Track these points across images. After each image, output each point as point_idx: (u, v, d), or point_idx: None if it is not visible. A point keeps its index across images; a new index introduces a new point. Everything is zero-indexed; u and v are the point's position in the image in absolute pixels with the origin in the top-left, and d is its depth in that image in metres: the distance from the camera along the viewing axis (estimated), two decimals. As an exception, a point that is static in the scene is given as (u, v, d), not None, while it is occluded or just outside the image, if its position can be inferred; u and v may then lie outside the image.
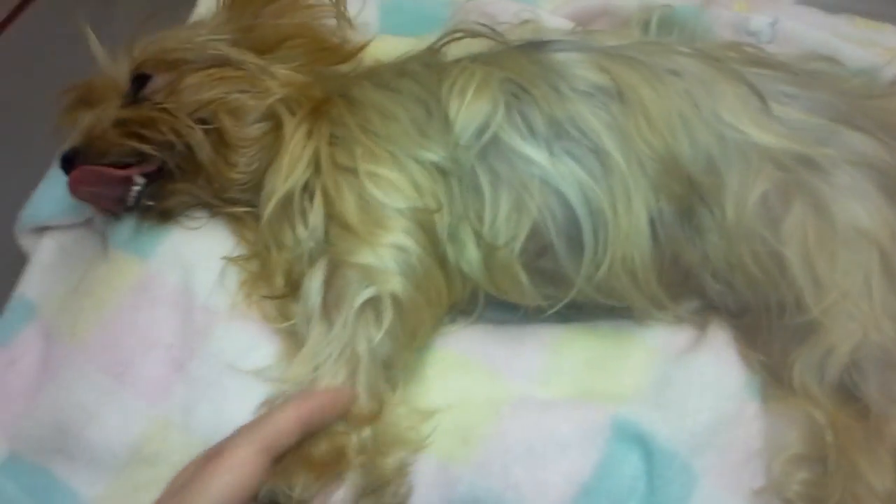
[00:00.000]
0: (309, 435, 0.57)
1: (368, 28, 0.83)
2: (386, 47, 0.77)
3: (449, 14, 0.86)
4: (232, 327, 0.66)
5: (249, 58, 0.70)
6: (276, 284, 0.65)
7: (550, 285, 0.64)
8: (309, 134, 0.66)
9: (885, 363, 0.59)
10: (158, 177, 0.69)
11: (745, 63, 0.67)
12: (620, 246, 0.62)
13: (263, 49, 0.72)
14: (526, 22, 0.80)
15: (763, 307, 0.63)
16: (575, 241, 0.62)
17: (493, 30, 0.71)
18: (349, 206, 0.62)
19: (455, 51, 0.70)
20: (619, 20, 0.86)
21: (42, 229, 0.77)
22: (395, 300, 0.61)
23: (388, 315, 0.60)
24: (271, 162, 0.67)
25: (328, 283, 0.62)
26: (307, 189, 0.64)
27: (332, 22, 0.78)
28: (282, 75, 0.69)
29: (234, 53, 0.70)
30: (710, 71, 0.64)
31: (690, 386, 0.63)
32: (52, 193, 0.76)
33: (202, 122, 0.68)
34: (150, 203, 0.69)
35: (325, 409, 0.58)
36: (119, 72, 0.70)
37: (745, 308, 0.65)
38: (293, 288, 0.65)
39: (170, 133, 0.67)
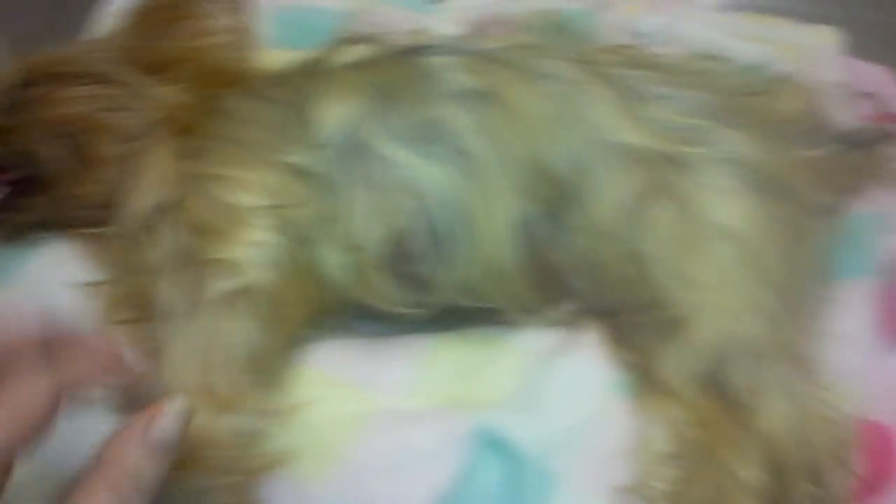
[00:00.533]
0: None
1: (262, 45, 0.83)
2: (274, 62, 0.77)
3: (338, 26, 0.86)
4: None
5: (129, 77, 0.70)
6: (141, 307, 0.64)
7: (418, 291, 0.64)
8: (168, 151, 0.65)
9: (750, 356, 0.60)
10: (24, 188, 0.68)
11: (622, 66, 0.67)
12: (486, 248, 0.62)
13: (150, 70, 0.71)
14: (416, 32, 0.80)
15: (631, 306, 0.64)
16: (440, 244, 0.62)
17: (381, 38, 0.71)
18: (204, 211, 0.62)
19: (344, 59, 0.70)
20: (511, 27, 0.87)
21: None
22: (259, 291, 0.60)
23: (256, 306, 0.60)
24: (129, 183, 0.66)
25: (182, 286, 0.61)
26: (166, 207, 0.64)
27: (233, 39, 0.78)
28: (157, 95, 0.69)
29: (113, 70, 0.70)
30: (583, 74, 0.65)
31: (554, 388, 0.64)
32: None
33: (68, 136, 0.67)
34: (5, 215, 0.69)
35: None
36: (11, 77, 0.70)
37: (615, 308, 0.65)
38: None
39: (30, 144, 0.66)
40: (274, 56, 0.78)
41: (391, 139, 0.62)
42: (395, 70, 0.66)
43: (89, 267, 0.68)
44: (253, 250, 0.61)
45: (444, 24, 0.85)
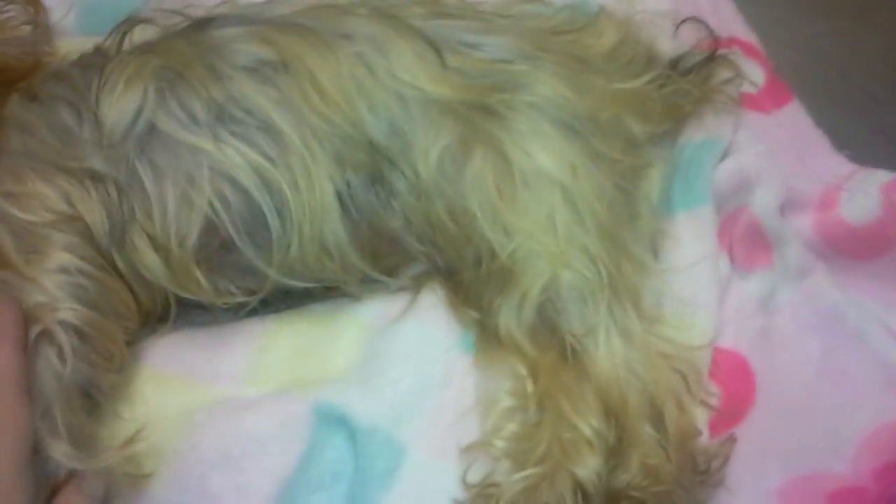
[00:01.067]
0: None
1: (67, 34, 0.78)
2: (74, 50, 0.72)
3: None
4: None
5: None
6: None
7: (244, 279, 0.62)
8: None
9: (579, 296, 0.59)
10: None
11: (427, 17, 0.65)
12: (308, 225, 0.59)
13: None
14: (224, 2, 0.76)
15: (465, 262, 0.62)
16: (259, 227, 0.59)
17: (170, 13, 0.67)
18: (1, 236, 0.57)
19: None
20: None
21: None
22: (71, 327, 0.56)
23: (67, 344, 0.56)
24: None
25: None
26: None
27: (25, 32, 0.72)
28: None
29: None
30: (385, 30, 0.62)
31: (392, 356, 0.62)
32: None
33: None
34: None
35: None
36: None
37: (454, 267, 0.63)
38: None
39: None
40: (75, 45, 0.73)
41: (187, 124, 0.59)
42: (180, 50, 0.61)
43: None
44: (55, 280, 0.56)
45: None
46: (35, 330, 0.55)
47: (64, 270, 0.57)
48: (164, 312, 0.63)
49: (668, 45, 0.75)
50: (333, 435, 0.59)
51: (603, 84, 0.65)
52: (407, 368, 0.61)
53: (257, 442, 0.59)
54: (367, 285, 0.64)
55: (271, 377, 0.62)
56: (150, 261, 0.59)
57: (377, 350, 0.62)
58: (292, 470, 0.58)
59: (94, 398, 0.58)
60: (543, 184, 0.59)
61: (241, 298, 0.62)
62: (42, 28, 0.72)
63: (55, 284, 0.56)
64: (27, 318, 0.55)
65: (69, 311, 0.56)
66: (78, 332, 0.56)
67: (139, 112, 0.58)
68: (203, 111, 0.59)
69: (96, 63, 0.63)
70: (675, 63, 0.72)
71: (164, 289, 0.61)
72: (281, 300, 0.65)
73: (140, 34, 0.66)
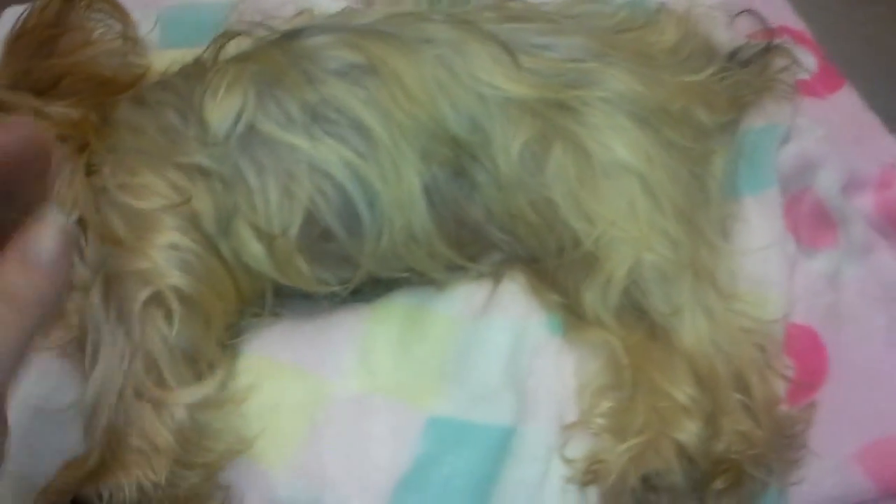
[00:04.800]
0: None
1: (151, 47, 0.83)
2: (165, 62, 0.77)
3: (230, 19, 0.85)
4: (35, 372, 0.66)
5: (25, 100, 0.69)
6: (70, 324, 0.65)
7: (340, 267, 0.65)
8: (72, 168, 0.66)
9: (662, 278, 0.62)
10: None
11: (499, 21, 0.69)
12: (398, 216, 0.63)
13: (42, 90, 0.71)
14: (301, 13, 0.80)
15: (548, 250, 0.66)
16: (353, 219, 0.64)
17: (262, 26, 0.71)
18: (112, 220, 0.62)
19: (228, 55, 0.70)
20: (394, -5, 0.87)
21: None
22: (179, 293, 0.61)
23: (176, 307, 0.60)
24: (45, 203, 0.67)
25: (107, 298, 0.61)
26: (80, 225, 0.64)
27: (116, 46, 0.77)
28: (55, 113, 0.68)
29: (7, 97, 0.69)
30: (461, 34, 0.66)
31: (484, 348, 0.66)
32: None
33: None
34: None
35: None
36: None
37: (535, 254, 0.67)
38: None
39: None
40: (164, 57, 0.78)
41: (285, 125, 0.63)
42: (276, 57, 0.66)
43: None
44: (164, 254, 0.61)
45: (329, 3, 0.84)
46: (145, 293, 0.60)
47: (173, 247, 0.62)
48: (261, 302, 0.67)
49: (724, 36, 0.78)
50: (445, 440, 0.63)
51: (669, 78, 0.68)
52: (500, 359, 0.65)
53: (374, 441, 0.63)
54: (450, 272, 0.68)
55: (374, 375, 0.66)
56: (254, 250, 0.64)
57: (468, 344, 0.66)
58: (407, 468, 0.62)
59: (198, 366, 0.62)
60: (622, 173, 0.63)
61: (335, 287, 0.66)
62: (132, 41, 0.77)
63: (164, 257, 0.61)
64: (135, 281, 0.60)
65: (178, 279, 0.61)
66: (184, 298, 0.61)
67: (240, 114, 0.63)
68: (299, 112, 0.63)
69: (197, 72, 0.68)
70: (733, 55, 0.75)
71: (264, 277, 0.65)
72: (371, 289, 0.69)
73: (234, 46, 0.70)
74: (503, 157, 0.64)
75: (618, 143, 0.63)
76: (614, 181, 0.63)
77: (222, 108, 0.63)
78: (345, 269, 0.66)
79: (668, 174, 0.64)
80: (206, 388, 0.61)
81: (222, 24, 0.82)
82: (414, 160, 0.63)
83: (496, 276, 0.69)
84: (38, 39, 0.71)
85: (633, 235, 0.62)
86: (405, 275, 0.67)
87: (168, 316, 0.60)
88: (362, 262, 0.65)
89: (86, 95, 0.70)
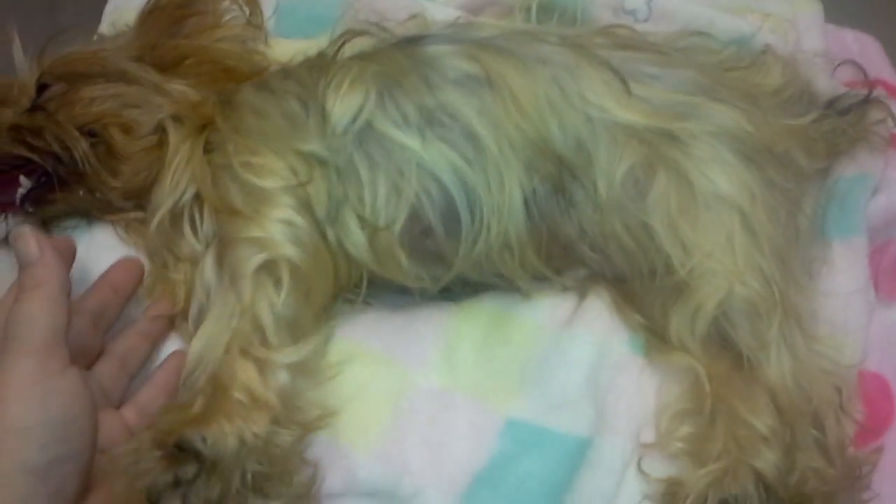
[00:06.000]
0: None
1: (270, 34, 0.86)
2: (281, 51, 0.81)
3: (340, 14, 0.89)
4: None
5: (147, 74, 0.73)
6: (178, 297, 0.68)
7: (434, 265, 0.68)
8: (191, 146, 0.69)
9: (752, 312, 0.64)
10: (44, 183, 0.71)
11: (612, 48, 0.71)
12: (496, 223, 0.66)
13: (165, 67, 0.75)
14: (414, 17, 0.83)
15: (638, 273, 0.68)
16: (453, 220, 0.66)
17: (381, 27, 0.75)
18: (231, 194, 0.66)
19: (347, 51, 0.73)
20: (505, 9, 0.90)
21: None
22: (290, 264, 0.64)
23: (286, 277, 0.63)
24: (158, 175, 0.70)
25: (220, 262, 0.65)
26: (195, 201, 0.68)
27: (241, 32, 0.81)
28: (175, 91, 0.72)
29: (132, 69, 0.73)
30: (575, 58, 0.69)
31: (567, 360, 0.68)
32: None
33: (91, 133, 0.71)
34: (31, 210, 0.73)
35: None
36: (30, 78, 0.72)
37: (623, 275, 0.69)
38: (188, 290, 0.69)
39: (55, 143, 0.69)
40: (282, 46, 0.82)
41: (400, 125, 0.66)
42: (398, 60, 0.69)
43: (131, 251, 0.73)
44: (279, 227, 0.65)
45: (439, 9, 0.87)
46: (259, 258, 0.63)
47: (286, 222, 0.65)
48: (355, 290, 0.70)
49: (825, 84, 0.80)
50: (523, 442, 0.65)
51: (773, 120, 0.70)
52: (581, 371, 0.67)
53: (452, 434, 0.65)
54: (537, 282, 0.70)
55: (457, 372, 0.68)
56: (358, 239, 0.66)
57: (551, 353, 0.68)
58: (485, 467, 0.64)
59: (297, 335, 0.65)
60: (724, 207, 0.65)
61: (426, 283, 0.69)
62: (257, 29, 0.80)
63: (279, 230, 0.65)
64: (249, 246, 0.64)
65: (290, 251, 0.64)
66: (294, 270, 0.64)
67: (360, 111, 0.66)
68: (415, 115, 0.66)
69: (320, 66, 0.71)
70: (832, 103, 0.77)
71: (362, 266, 0.68)
72: (460, 288, 0.72)
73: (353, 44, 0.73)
74: (604, 179, 0.66)
75: (722, 176, 0.65)
76: (715, 214, 0.65)
77: (344, 103, 0.66)
78: (439, 267, 0.68)
79: (767, 212, 0.65)
80: (304, 351, 0.64)
81: (334, 19, 0.86)
82: (518, 172, 0.66)
83: (581, 291, 0.72)
84: (169, 17, 0.75)
85: (728, 268, 0.64)
86: (494, 280, 0.70)
87: (277, 283, 0.63)
88: (456, 263, 0.67)
89: (205, 79, 0.74)
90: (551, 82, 0.67)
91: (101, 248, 0.72)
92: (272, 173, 0.66)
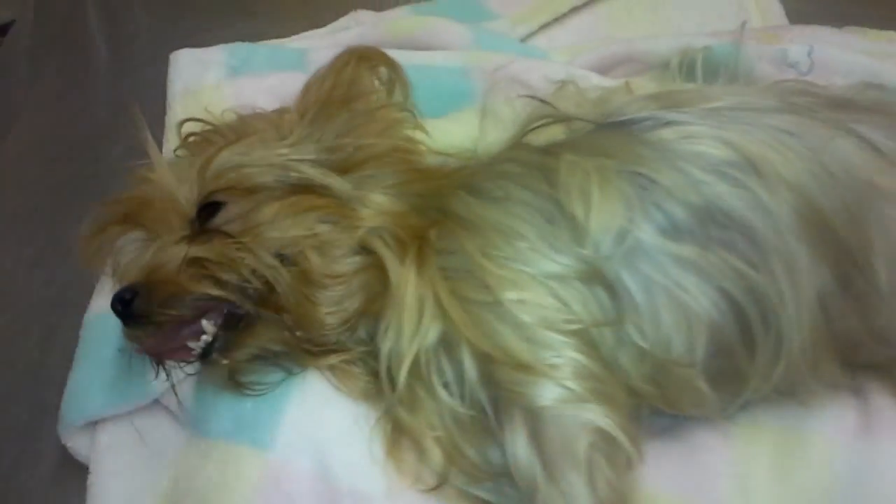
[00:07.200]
0: None
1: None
2: (438, 136, 0.70)
3: (471, 85, 0.79)
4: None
5: (336, 182, 0.61)
6: (432, 458, 0.57)
7: (727, 385, 0.58)
8: (419, 274, 0.57)
9: None
10: (229, 325, 0.58)
11: (832, 109, 0.63)
12: (795, 334, 0.56)
13: (346, 169, 0.62)
14: (563, 84, 0.74)
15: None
16: (746, 335, 0.57)
17: (565, 113, 0.65)
18: (509, 341, 0.54)
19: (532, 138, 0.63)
20: (642, 66, 0.81)
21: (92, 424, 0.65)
22: (605, 432, 0.54)
23: (616, 447, 0.54)
24: (373, 303, 0.59)
25: (533, 437, 0.54)
26: (442, 345, 0.56)
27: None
28: (374, 202, 0.61)
29: (318, 177, 0.60)
30: (814, 124, 0.60)
31: (885, 482, 0.58)
32: (97, 370, 0.63)
33: (282, 258, 0.58)
34: (218, 357, 0.59)
35: None
36: (183, 192, 0.59)
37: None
38: (451, 457, 0.57)
39: (250, 275, 0.56)
40: (436, 130, 0.70)
41: (670, 233, 0.56)
42: (633, 151, 0.59)
43: (361, 409, 0.59)
44: (582, 384, 0.54)
45: (585, 73, 0.77)
46: (587, 436, 0.54)
47: (589, 376, 0.54)
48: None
49: None
50: None
51: None
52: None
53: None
54: (826, 391, 0.61)
55: (754, 502, 0.59)
56: (636, 372, 0.57)
57: (858, 469, 0.59)
58: None
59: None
60: None
61: (725, 410, 0.59)
62: (410, 113, 0.69)
63: (581, 387, 0.54)
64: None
65: (599, 413, 0.54)
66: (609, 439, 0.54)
67: (626, 223, 0.56)
68: (684, 218, 0.56)
69: (527, 161, 0.61)
70: None
71: (639, 397, 0.58)
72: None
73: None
74: (885, 263, 0.57)
75: None
76: None
77: (603, 216, 0.56)
78: (732, 387, 0.58)
79: None
80: None
81: (462, 90, 0.79)
82: (806, 268, 0.56)
83: (854, 389, 0.62)
84: (341, 109, 0.63)
85: None
86: (780, 396, 0.60)
87: (611, 459, 0.54)
88: (750, 382, 0.57)
89: (394, 182, 0.63)
90: (808, 156, 0.58)
91: (336, 409, 0.59)
92: (548, 311, 0.55)
